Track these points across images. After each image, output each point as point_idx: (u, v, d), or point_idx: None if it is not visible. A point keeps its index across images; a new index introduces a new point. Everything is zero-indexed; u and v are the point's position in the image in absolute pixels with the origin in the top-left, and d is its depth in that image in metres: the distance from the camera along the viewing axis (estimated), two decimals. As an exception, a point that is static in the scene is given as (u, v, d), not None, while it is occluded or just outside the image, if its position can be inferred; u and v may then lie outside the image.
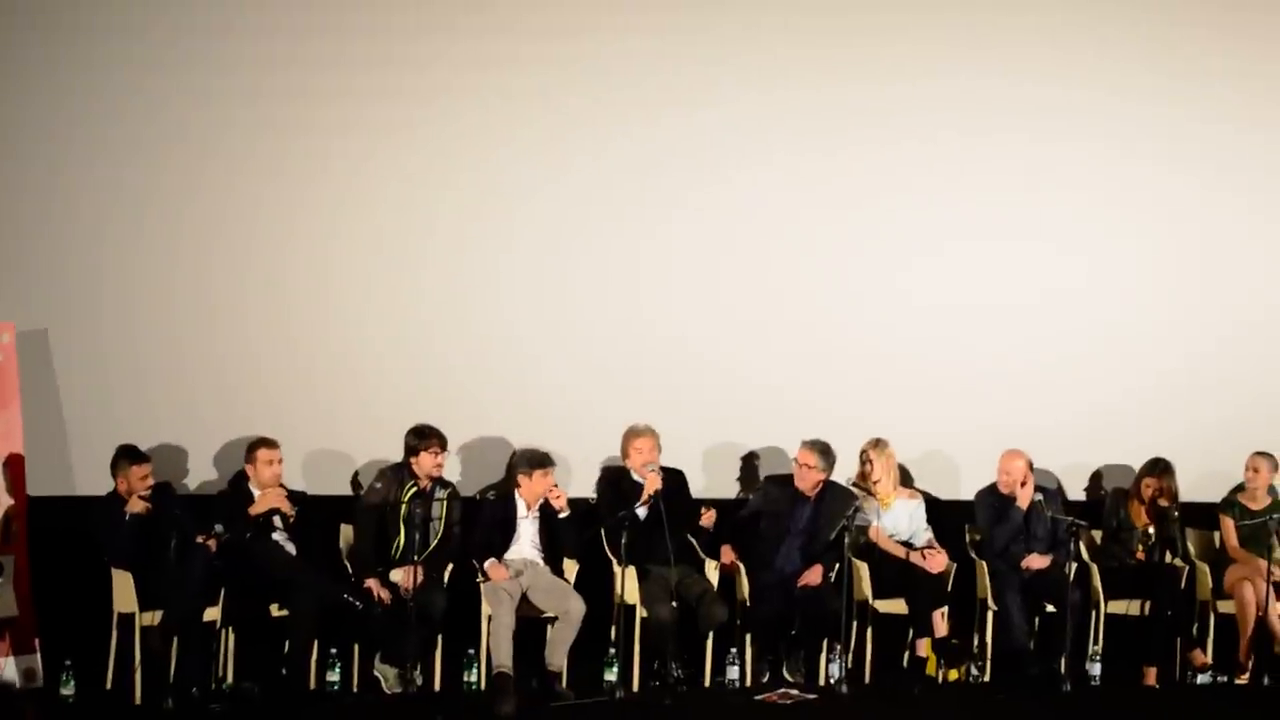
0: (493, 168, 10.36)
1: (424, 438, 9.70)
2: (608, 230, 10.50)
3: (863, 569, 10.01)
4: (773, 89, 10.58)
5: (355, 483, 10.15)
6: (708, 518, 10.02)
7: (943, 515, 10.45)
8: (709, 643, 9.80)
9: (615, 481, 10.12)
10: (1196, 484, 10.58)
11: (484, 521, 9.84)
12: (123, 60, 9.93)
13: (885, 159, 10.69)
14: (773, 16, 10.55)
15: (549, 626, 9.61)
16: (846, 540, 9.65)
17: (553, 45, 10.37)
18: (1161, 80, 10.86)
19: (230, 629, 9.35)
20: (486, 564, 9.61)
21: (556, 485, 9.83)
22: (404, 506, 9.60)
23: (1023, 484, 10.13)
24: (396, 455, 9.79)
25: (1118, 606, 10.21)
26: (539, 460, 9.83)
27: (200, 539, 9.18)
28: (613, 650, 9.52)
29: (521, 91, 10.36)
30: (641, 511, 9.85)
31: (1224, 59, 10.89)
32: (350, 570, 9.66)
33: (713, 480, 10.58)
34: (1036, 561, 10.12)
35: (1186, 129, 10.90)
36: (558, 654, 9.51)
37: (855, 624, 9.88)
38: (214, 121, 10.06)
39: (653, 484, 9.85)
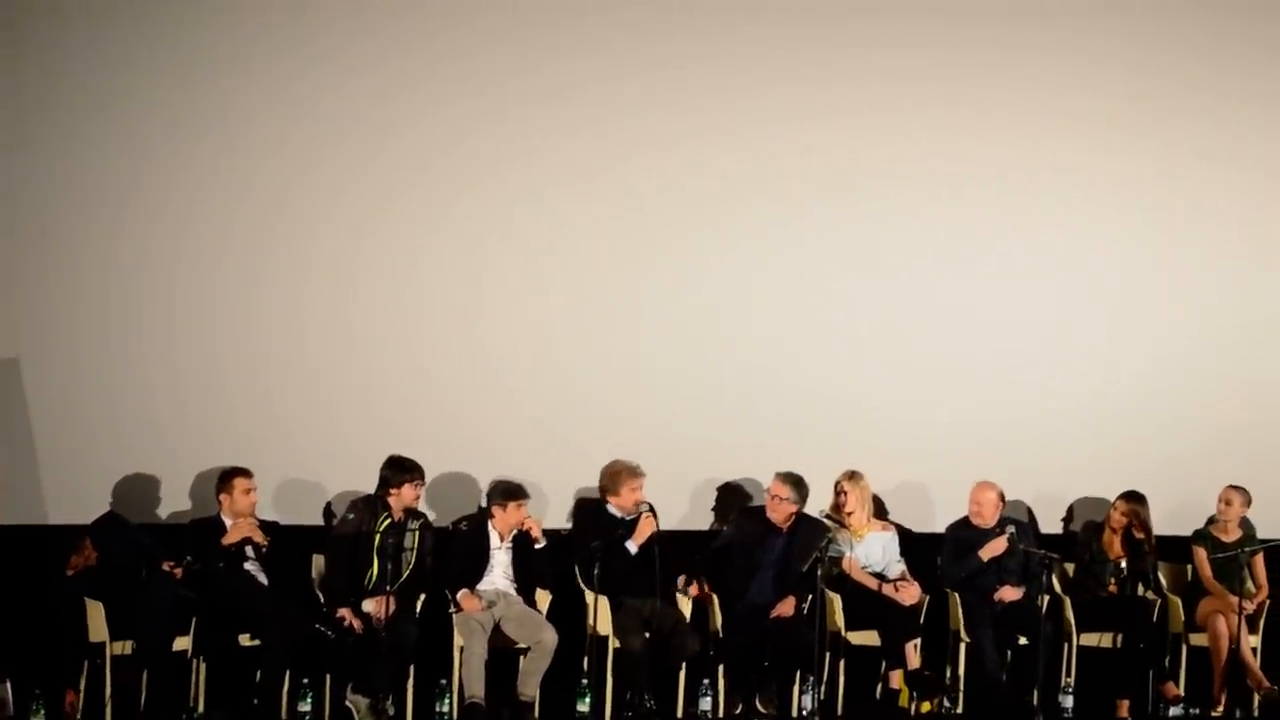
0: (467, 200, 10.36)
1: (407, 471, 9.68)
2: (585, 263, 10.50)
3: (835, 600, 10.01)
4: (761, 122, 10.63)
5: (328, 513, 10.13)
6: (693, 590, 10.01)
7: (916, 547, 10.45)
8: (681, 674, 9.79)
9: (593, 513, 10.11)
10: (1169, 516, 10.58)
11: (457, 552, 9.82)
12: (95, 81, 9.89)
13: (854, 195, 10.72)
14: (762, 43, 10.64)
15: (521, 657, 9.59)
16: (819, 572, 9.66)
17: (545, 71, 10.42)
18: (1141, 110, 10.97)
19: (201, 659, 9.33)
20: (459, 595, 9.59)
21: (530, 516, 9.83)
22: (377, 537, 9.59)
23: (995, 533, 10.15)
24: (369, 486, 9.77)
25: (1090, 639, 10.23)
26: (513, 492, 9.82)
27: (166, 567, 9.17)
28: (585, 681, 9.50)
29: (501, 116, 10.38)
30: (631, 548, 9.85)
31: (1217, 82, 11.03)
32: (322, 600, 9.63)
33: (687, 511, 10.58)
34: (1009, 594, 10.13)
35: (1162, 169, 10.97)
36: (530, 684, 9.49)
37: (828, 655, 9.88)
38: (187, 149, 10.04)
39: (649, 528, 9.84)
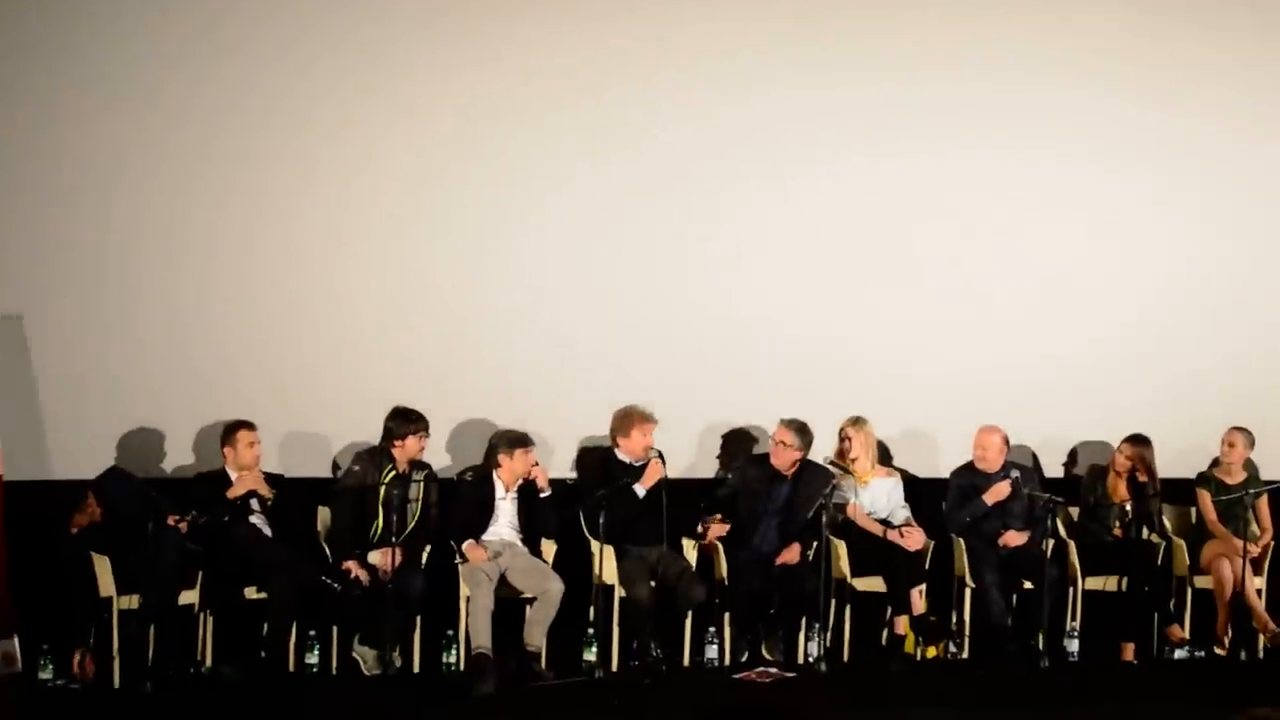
0: (468, 152, 10.32)
1: (412, 422, 9.68)
2: (585, 212, 10.47)
3: (840, 547, 10.02)
4: (764, 72, 10.58)
5: (333, 465, 10.14)
6: (716, 530, 9.99)
7: (920, 493, 10.46)
8: (688, 622, 9.82)
9: (601, 461, 10.09)
10: (1173, 459, 10.58)
11: (462, 503, 9.83)
12: (98, 47, 9.86)
13: (869, 154, 10.68)
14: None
15: (527, 607, 9.61)
16: (824, 519, 9.67)
17: (532, 37, 10.37)
18: (1151, 72, 10.92)
19: (208, 612, 9.36)
20: (465, 545, 9.60)
21: (538, 464, 9.82)
22: (382, 489, 9.59)
23: (999, 478, 10.15)
24: (374, 437, 9.78)
25: (1095, 583, 10.23)
26: (519, 440, 9.81)
27: (171, 521, 9.18)
28: (591, 630, 9.53)
29: (499, 79, 10.33)
30: (639, 491, 9.84)
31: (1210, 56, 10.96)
32: (328, 552, 9.65)
33: (693, 459, 10.58)
34: (1014, 538, 10.14)
35: (1158, 110, 10.91)
36: (536, 634, 9.51)
37: (833, 602, 9.88)
38: (192, 109, 10.00)
39: (657, 472, 9.84)
